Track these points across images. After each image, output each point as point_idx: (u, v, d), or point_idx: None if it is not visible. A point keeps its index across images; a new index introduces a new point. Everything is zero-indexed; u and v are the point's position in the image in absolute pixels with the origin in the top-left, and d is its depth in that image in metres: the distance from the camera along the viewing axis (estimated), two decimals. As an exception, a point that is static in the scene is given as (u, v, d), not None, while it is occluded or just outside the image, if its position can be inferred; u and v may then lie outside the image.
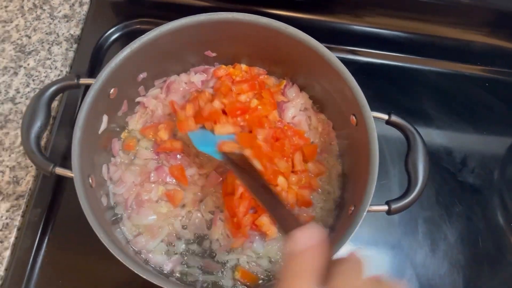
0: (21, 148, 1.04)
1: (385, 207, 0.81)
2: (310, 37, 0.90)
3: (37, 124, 0.82)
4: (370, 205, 0.79)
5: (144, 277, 0.74)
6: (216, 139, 0.89)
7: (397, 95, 1.16)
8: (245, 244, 0.91)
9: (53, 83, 0.85)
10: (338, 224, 0.91)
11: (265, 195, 0.71)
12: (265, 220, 0.90)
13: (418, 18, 1.22)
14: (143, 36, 0.89)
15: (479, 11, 1.19)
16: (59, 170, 0.81)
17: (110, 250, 0.75)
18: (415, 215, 1.04)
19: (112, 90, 0.90)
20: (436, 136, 1.12)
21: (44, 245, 0.98)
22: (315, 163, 0.98)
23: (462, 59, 1.21)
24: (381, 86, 1.16)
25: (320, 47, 0.90)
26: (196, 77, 1.05)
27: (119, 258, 0.75)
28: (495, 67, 1.21)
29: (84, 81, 0.86)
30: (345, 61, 0.89)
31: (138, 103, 1.03)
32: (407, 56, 1.22)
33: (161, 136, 0.97)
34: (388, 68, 1.20)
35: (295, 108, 1.02)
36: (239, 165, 0.82)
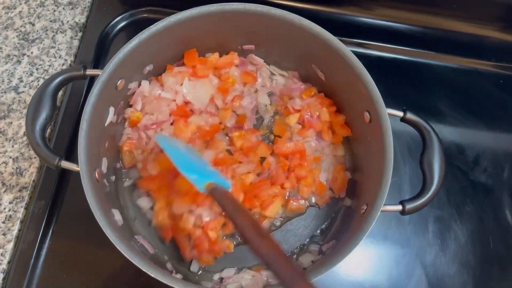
0: (25, 138, 1.02)
1: (399, 207, 0.79)
2: (324, 30, 0.88)
3: (43, 115, 0.79)
4: (384, 205, 0.77)
5: (152, 274, 0.73)
6: (203, 169, 0.82)
7: (409, 90, 1.14)
8: None
9: (58, 74, 0.83)
10: (351, 224, 0.89)
11: (252, 231, 0.66)
12: None
13: (431, 11, 1.19)
14: (152, 26, 0.86)
15: (493, 5, 1.16)
16: (65, 164, 0.79)
17: (118, 247, 0.73)
18: (425, 214, 1.02)
19: (119, 82, 0.88)
20: (448, 133, 1.10)
21: (48, 238, 0.96)
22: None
23: (476, 55, 1.18)
24: (392, 81, 1.14)
25: (335, 40, 0.87)
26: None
27: (126, 256, 0.73)
28: (509, 64, 1.18)
29: (91, 72, 0.83)
30: (355, 55, 0.86)
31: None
32: (419, 50, 1.19)
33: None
34: (400, 63, 1.17)
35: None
36: (229, 201, 0.74)
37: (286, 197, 0.96)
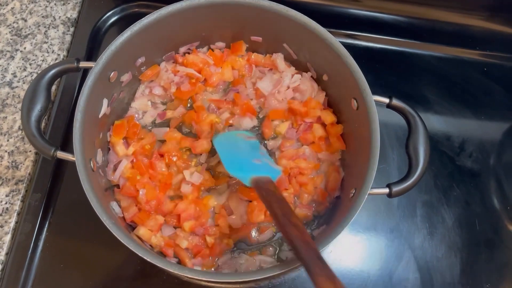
0: (20, 132, 1.03)
1: (386, 190, 0.82)
2: (310, 19, 0.90)
3: (37, 107, 0.81)
4: (371, 188, 0.79)
5: (148, 259, 0.75)
6: (249, 164, 0.88)
7: (396, 80, 1.17)
8: None
9: (52, 66, 0.84)
10: (339, 207, 0.92)
11: (289, 225, 0.72)
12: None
13: (417, 2, 1.21)
14: (143, 18, 0.88)
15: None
16: (61, 154, 0.81)
17: (115, 234, 0.75)
18: (413, 199, 1.04)
19: (112, 74, 0.89)
20: (435, 120, 1.12)
21: (45, 229, 0.98)
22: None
23: (461, 44, 1.21)
24: (380, 71, 1.16)
25: (321, 29, 0.90)
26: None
27: (123, 242, 0.75)
28: (493, 52, 1.21)
29: (84, 64, 0.85)
30: (344, 46, 0.89)
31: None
32: (406, 40, 1.21)
33: None
34: (387, 53, 1.20)
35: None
36: (270, 191, 0.80)
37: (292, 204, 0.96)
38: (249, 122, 1.02)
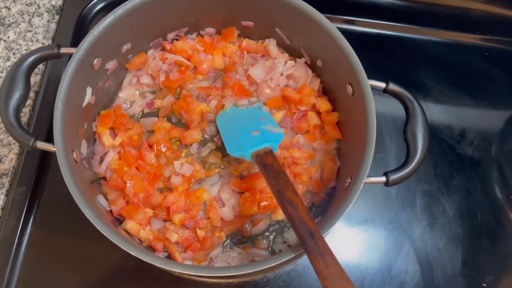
0: (3, 125, 0.99)
1: (383, 179, 0.78)
2: (303, 1, 0.86)
3: (16, 95, 0.77)
4: (367, 177, 0.75)
5: (133, 254, 0.71)
6: (248, 139, 0.87)
7: (394, 66, 1.13)
8: None
9: (32, 52, 0.81)
10: (335, 197, 0.88)
11: (284, 201, 0.73)
12: None
13: (414, -15, 1.18)
14: (127, 2, 0.84)
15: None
16: (41, 145, 0.77)
17: (98, 227, 0.72)
18: (412, 188, 1.01)
19: (96, 61, 0.86)
20: (434, 107, 1.09)
21: (30, 224, 0.95)
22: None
23: (460, 28, 1.17)
24: (378, 57, 1.13)
25: (315, 12, 0.86)
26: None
27: (107, 235, 0.72)
28: (495, 36, 1.17)
29: (65, 50, 0.81)
30: (340, 32, 0.85)
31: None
32: (404, 25, 1.18)
33: None
34: (385, 38, 1.16)
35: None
36: (268, 165, 0.81)
37: None
38: (245, 102, 0.98)
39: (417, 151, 0.79)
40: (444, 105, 1.10)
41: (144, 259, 0.71)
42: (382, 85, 0.83)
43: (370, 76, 0.81)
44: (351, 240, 0.97)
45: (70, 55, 0.81)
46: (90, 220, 0.72)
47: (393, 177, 0.78)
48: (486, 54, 1.15)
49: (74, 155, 0.81)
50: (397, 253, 0.96)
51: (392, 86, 0.82)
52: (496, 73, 1.14)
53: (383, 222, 0.99)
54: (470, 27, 1.17)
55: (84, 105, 0.87)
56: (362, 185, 0.75)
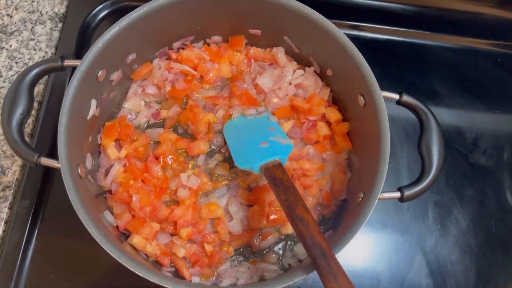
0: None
1: (398, 194, 0.76)
2: (313, 10, 0.84)
3: (19, 110, 0.75)
4: (381, 192, 0.73)
5: (140, 274, 0.69)
6: (256, 152, 0.85)
7: (404, 72, 1.10)
8: None
9: (35, 65, 0.78)
10: (346, 211, 0.86)
11: (294, 218, 0.71)
12: None
13: (425, -11, 1.15)
14: (132, 12, 0.82)
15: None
16: (45, 161, 0.75)
17: (103, 246, 0.70)
18: (424, 199, 0.99)
19: (100, 72, 0.83)
20: (446, 115, 1.06)
21: (34, 237, 0.93)
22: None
23: (473, 34, 1.15)
24: (387, 63, 1.10)
25: (325, 20, 0.83)
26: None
27: (112, 255, 0.70)
28: (508, 42, 1.14)
29: (69, 62, 0.79)
30: (348, 38, 0.82)
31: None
32: (415, 31, 1.15)
33: None
34: (395, 44, 1.14)
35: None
36: (277, 179, 0.78)
37: None
38: (253, 111, 0.96)
39: (432, 165, 0.76)
40: (456, 113, 1.07)
41: (152, 280, 0.69)
42: (396, 96, 0.80)
43: (380, 83, 0.79)
44: (362, 252, 0.95)
45: (74, 67, 0.79)
46: (96, 239, 0.70)
47: (407, 192, 0.76)
48: (499, 60, 1.13)
49: (79, 170, 0.79)
50: (409, 266, 0.94)
51: (406, 98, 0.80)
52: (510, 80, 1.11)
53: (395, 234, 0.97)
54: (483, 33, 1.15)
55: (88, 118, 0.84)
56: (376, 201, 0.72)
